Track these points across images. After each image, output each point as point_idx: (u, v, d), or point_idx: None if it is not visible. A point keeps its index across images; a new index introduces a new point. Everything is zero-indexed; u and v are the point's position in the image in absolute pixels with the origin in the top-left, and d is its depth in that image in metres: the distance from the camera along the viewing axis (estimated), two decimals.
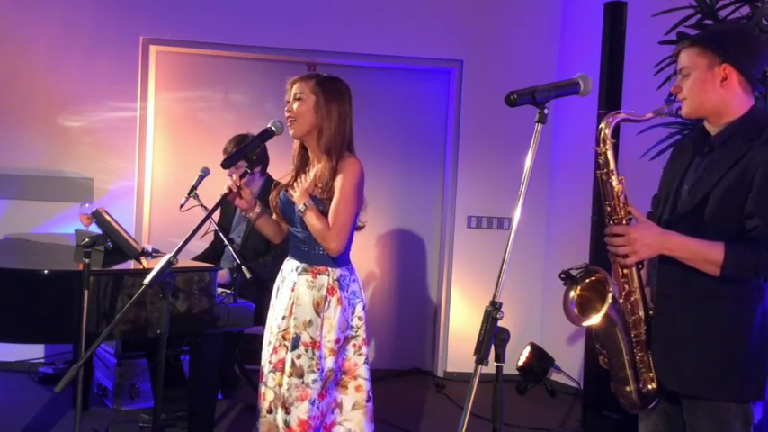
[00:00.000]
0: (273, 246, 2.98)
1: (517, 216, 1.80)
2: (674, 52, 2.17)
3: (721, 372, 2.05)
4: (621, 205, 2.11)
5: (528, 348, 4.85)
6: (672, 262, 2.06)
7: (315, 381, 2.58)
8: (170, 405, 3.87)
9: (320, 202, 2.61)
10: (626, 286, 2.14)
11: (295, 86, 2.66)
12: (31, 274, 2.99)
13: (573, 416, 4.57)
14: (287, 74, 2.76)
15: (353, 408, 2.69)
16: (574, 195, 4.93)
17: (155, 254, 3.43)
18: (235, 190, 2.63)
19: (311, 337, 2.59)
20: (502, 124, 5.04)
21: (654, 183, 2.36)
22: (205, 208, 3.41)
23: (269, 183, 3.85)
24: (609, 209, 2.12)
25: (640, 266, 2.15)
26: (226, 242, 3.69)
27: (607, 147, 2.12)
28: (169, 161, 5.15)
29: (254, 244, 3.99)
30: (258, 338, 2.96)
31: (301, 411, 2.57)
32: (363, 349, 2.71)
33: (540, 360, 4.84)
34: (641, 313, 2.16)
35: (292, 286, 2.66)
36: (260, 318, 3.51)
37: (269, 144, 3.14)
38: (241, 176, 2.65)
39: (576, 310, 2.07)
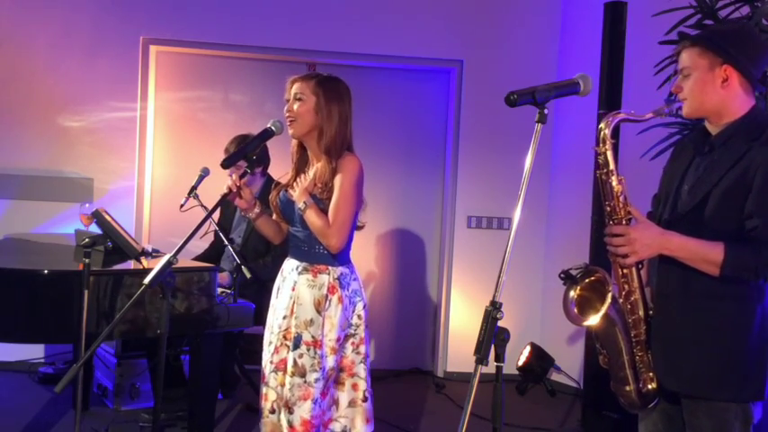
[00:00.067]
0: (274, 246, 2.98)
1: (517, 216, 1.80)
2: (675, 52, 2.17)
3: (721, 372, 2.05)
4: (621, 205, 2.12)
5: (528, 348, 4.84)
6: (671, 262, 2.07)
7: (317, 380, 2.58)
8: (170, 405, 3.87)
9: (320, 202, 2.61)
10: (626, 286, 2.14)
11: (295, 86, 2.65)
12: (31, 274, 2.99)
13: (573, 416, 4.57)
14: (287, 74, 2.76)
15: (350, 405, 2.69)
16: (574, 195, 4.93)
17: (155, 254, 3.43)
18: (235, 190, 2.63)
19: (313, 337, 2.59)
20: (502, 124, 5.04)
21: (654, 183, 2.36)
22: (205, 208, 3.41)
23: (269, 183, 3.85)
24: (609, 209, 2.13)
25: (640, 266, 2.15)
26: (226, 242, 3.70)
27: (607, 147, 2.12)
28: (169, 161, 5.15)
29: (255, 244, 3.99)
30: (258, 338, 2.96)
31: (304, 411, 2.57)
32: (361, 348, 2.70)
33: (540, 360, 4.83)
34: (641, 313, 2.16)
35: (293, 286, 2.66)
36: (260, 318, 3.51)
37: (269, 144, 3.14)
38: (241, 176, 2.66)
39: (575, 310, 2.07)
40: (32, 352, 4.83)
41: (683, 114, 2.15)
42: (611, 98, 3.99)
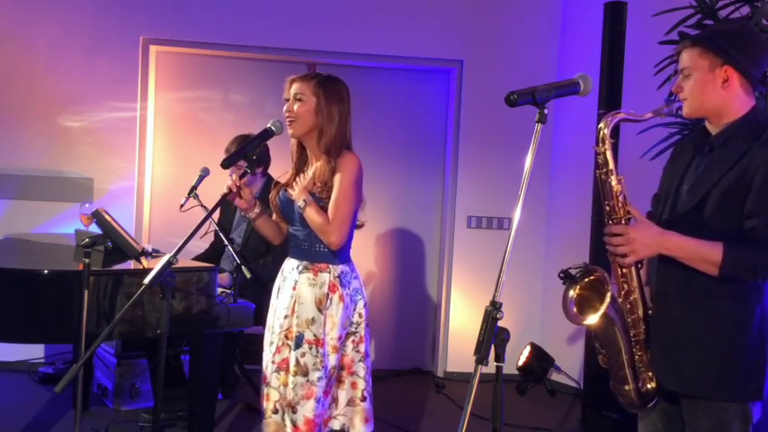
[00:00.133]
0: (274, 246, 2.98)
1: (517, 216, 1.80)
2: (676, 52, 2.18)
3: (720, 371, 2.05)
4: (620, 205, 2.12)
5: (528, 348, 4.85)
6: (671, 262, 2.07)
7: (320, 378, 2.58)
8: (170, 405, 3.87)
9: (320, 201, 2.61)
10: (625, 286, 2.14)
11: (295, 86, 2.65)
12: (31, 274, 2.99)
13: (573, 416, 4.57)
14: (287, 74, 2.75)
15: (349, 404, 2.69)
16: (574, 195, 4.93)
17: (155, 254, 3.43)
18: (235, 190, 2.63)
19: (314, 335, 2.60)
20: (502, 124, 5.04)
21: (654, 182, 2.36)
22: (205, 208, 3.41)
23: (270, 183, 3.85)
24: (608, 208, 2.13)
25: (639, 266, 2.16)
26: (226, 242, 3.70)
27: (606, 146, 2.13)
28: (169, 161, 5.15)
29: (255, 244, 3.99)
30: (258, 338, 2.96)
31: (307, 410, 2.57)
32: (361, 347, 2.71)
33: (540, 360, 4.84)
34: (640, 313, 2.16)
35: (293, 285, 2.66)
36: (260, 318, 3.51)
37: (269, 144, 3.14)
38: (241, 176, 2.66)
39: (575, 310, 2.07)
40: (32, 352, 4.83)
41: (683, 114, 2.16)
42: (611, 98, 3.99)
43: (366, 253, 5.27)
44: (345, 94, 2.68)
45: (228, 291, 3.41)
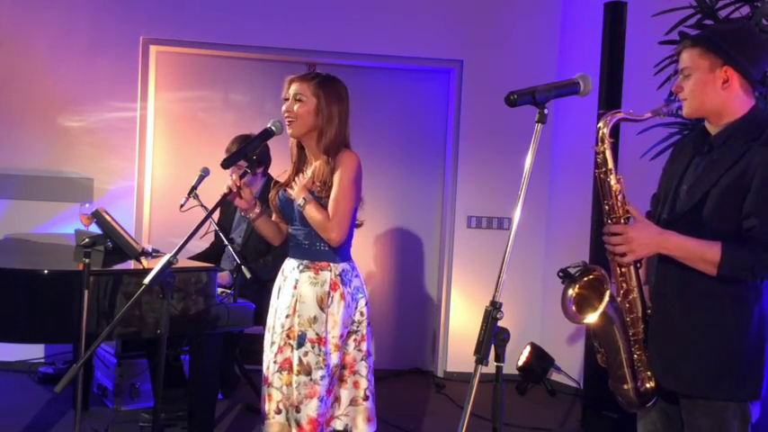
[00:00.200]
0: (274, 246, 2.98)
1: (517, 216, 1.80)
2: (676, 51, 2.18)
3: (719, 371, 2.05)
4: (619, 204, 2.13)
5: (528, 348, 4.85)
6: (670, 261, 2.07)
7: (323, 377, 2.58)
8: (170, 405, 3.87)
9: (319, 199, 2.62)
10: (624, 285, 2.15)
11: (294, 86, 2.65)
12: (31, 274, 2.99)
13: (573, 416, 4.57)
14: (287, 74, 2.75)
15: (351, 403, 2.69)
16: (574, 195, 4.93)
17: (155, 254, 3.43)
18: (235, 190, 2.63)
19: (317, 334, 2.60)
20: (502, 124, 5.04)
21: (654, 182, 2.36)
22: (205, 208, 3.41)
23: (270, 183, 3.85)
24: (607, 208, 2.14)
25: (638, 265, 2.16)
26: (226, 242, 3.70)
27: (605, 146, 2.13)
28: (169, 161, 5.15)
29: (255, 244, 3.99)
30: (258, 338, 2.96)
31: (311, 409, 2.57)
32: (363, 345, 2.71)
33: (540, 360, 4.84)
34: (639, 312, 2.17)
35: (294, 284, 2.66)
36: (260, 318, 3.50)
37: (270, 144, 3.13)
38: (241, 176, 2.66)
39: (573, 308, 2.08)
40: (32, 352, 4.83)
41: (683, 114, 2.16)
42: (611, 98, 3.99)
43: (366, 253, 5.27)
44: (345, 95, 2.69)
45: (228, 291, 3.41)
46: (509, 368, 4.51)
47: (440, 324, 5.34)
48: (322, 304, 2.61)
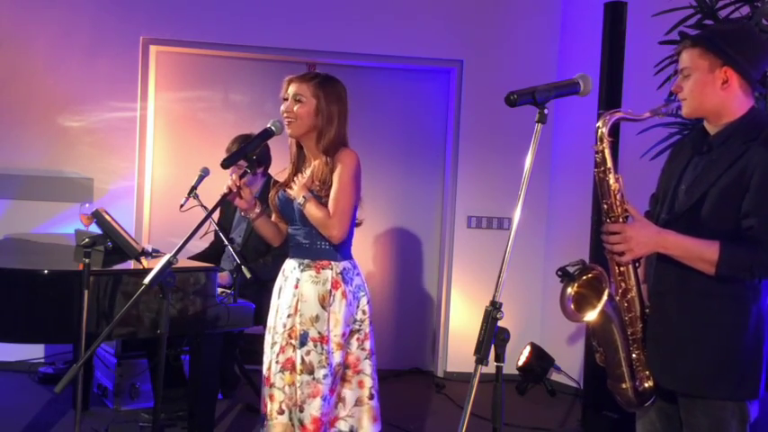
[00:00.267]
0: (274, 246, 2.99)
1: (517, 216, 1.80)
2: (676, 51, 2.18)
3: (717, 370, 2.06)
4: (618, 203, 2.13)
5: (528, 348, 4.85)
6: (668, 260, 2.08)
7: (325, 376, 2.58)
8: (170, 405, 3.87)
9: (319, 198, 2.62)
10: (622, 284, 2.16)
11: (294, 87, 2.65)
12: (31, 274, 2.99)
13: (573, 416, 4.57)
14: (287, 74, 2.76)
15: (357, 404, 2.69)
16: (574, 195, 4.93)
17: (155, 254, 3.43)
18: (234, 190, 2.63)
19: (319, 333, 2.60)
20: (502, 124, 5.04)
21: (654, 182, 2.36)
22: (205, 208, 3.41)
23: (270, 183, 3.85)
24: (606, 207, 2.14)
25: (637, 264, 2.17)
26: (226, 242, 3.70)
27: (604, 145, 2.14)
28: (169, 161, 5.15)
29: (255, 244, 3.98)
30: (258, 338, 2.96)
31: (314, 408, 2.57)
32: (366, 344, 2.71)
33: (540, 360, 4.84)
34: (637, 311, 2.17)
35: (296, 283, 2.66)
36: (260, 318, 3.51)
37: (270, 144, 3.13)
38: (241, 176, 2.66)
39: (572, 307, 2.08)
40: (32, 352, 4.83)
41: (682, 114, 2.17)
42: (611, 98, 3.98)
43: (366, 253, 5.27)
44: (344, 95, 2.70)
45: (228, 291, 3.41)
46: (509, 368, 4.51)
47: (440, 324, 5.34)
48: (324, 303, 2.61)
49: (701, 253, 2.00)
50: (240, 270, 3.41)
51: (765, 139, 2.02)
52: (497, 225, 5.25)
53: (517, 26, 5.22)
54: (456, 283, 5.27)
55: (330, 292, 2.62)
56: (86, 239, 2.92)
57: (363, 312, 2.71)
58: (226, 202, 2.89)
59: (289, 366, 2.63)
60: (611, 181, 2.14)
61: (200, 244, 4.19)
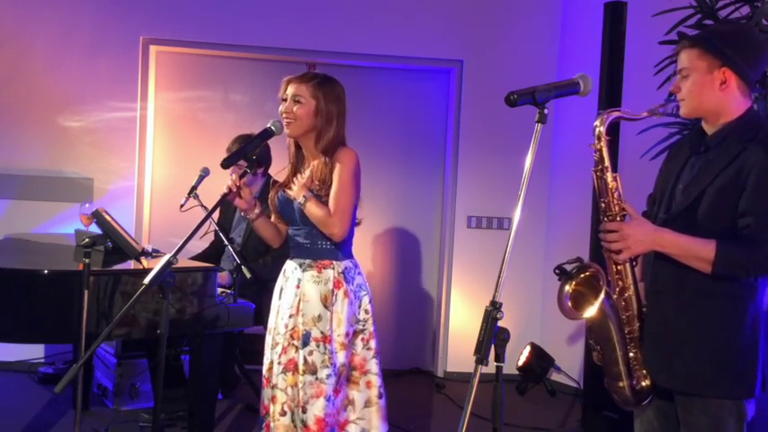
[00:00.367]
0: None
1: (517, 216, 1.81)
2: (675, 52, 2.19)
3: (714, 369, 2.06)
4: (615, 202, 2.14)
5: (528, 348, 4.85)
6: (665, 259, 2.09)
7: (329, 376, 2.58)
8: (170, 405, 3.87)
9: (320, 198, 2.62)
10: (620, 283, 2.16)
11: (292, 87, 2.65)
12: (31, 274, 2.99)
13: (573, 416, 4.57)
14: (287, 74, 2.76)
15: (366, 405, 2.68)
16: (574, 195, 4.93)
17: (155, 254, 3.43)
18: (234, 190, 2.63)
19: (321, 332, 2.59)
20: (502, 124, 5.04)
21: (653, 182, 2.36)
22: (205, 208, 3.41)
23: (270, 183, 3.85)
24: (603, 205, 2.16)
25: (634, 263, 2.18)
26: (226, 242, 3.70)
27: (602, 143, 2.14)
28: (169, 161, 5.15)
29: (255, 244, 3.98)
30: (258, 338, 2.95)
31: (317, 409, 2.56)
32: (372, 343, 2.71)
33: (540, 360, 4.84)
34: (635, 310, 2.18)
35: (297, 284, 2.66)
36: (260, 318, 3.51)
37: (270, 144, 3.13)
38: (241, 176, 2.66)
39: (569, 304, 2.08)
40: (32, 352, 4.83)
41: (681, 114, 2.17)
42: (611, 98, 3.98)
43: (366, 253, 5.27)
44: (342, 95, 2.70)
45: (228, 291, 3.41)
46: (509, 368, 4.50)
47: (440, 324, 5.34)
48: (326, 302, 2.61)
49: (698, 251, 2.01)
50: (240, 270, 3.41)
51: (762, 139, 2.03)
52: (497, 225, 5.25)
53: (517, 26, 5.22)
54: (456, 283, 5.27)
55: (332, 291, 2.62)
56: (86, 239, 2.92)
57: (366, 312, 2.71)
58: (226, 202, 2.89)
59: (291, 367, 2.63)
60: (609, 179, 2.14)
61: (201, 244, 4.19)
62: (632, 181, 2.44)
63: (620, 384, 2.20)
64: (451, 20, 5.16)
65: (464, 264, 5.26)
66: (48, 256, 3.83)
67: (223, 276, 3.76)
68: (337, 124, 2.65)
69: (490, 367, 1.75)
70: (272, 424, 2.65)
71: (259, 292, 3.71)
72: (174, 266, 2.32)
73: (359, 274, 2.71)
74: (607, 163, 2.14)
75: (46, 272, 2.96)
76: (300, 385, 2.58)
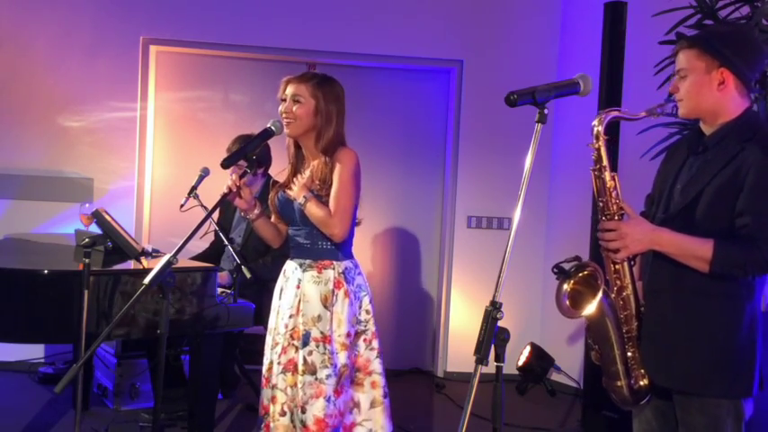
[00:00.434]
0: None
1: (517, 216, 1.81)
2: (673, 52, 2.19)
3: (712, 368, 2.07)
4: (614, 201, 2.15)
5: (528, 348, 4.85)
6: (663, 258, 2.09)
7: (329, 376, 2.57)
8: (170, 405, 3.87)
9: (320, 198, 2.62)
10: (618, 282, 2.17)
11: (292, 87, 2.66)
12: (31, 274, 2.99)
13: (573, 416, 4.57)
14: (287, 74, 2.76)
15: (372, 406, 2.67)
16: (574, 195, 4.93)
17: (155, 254, 3.43)
18: (234, 190, 2.63)
19: (321, 333, 2.59)
20: (502, 124, 5.04)
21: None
22: (205, 208, 3.41)
23: (270, 183, 3.85)
24: (601, 204, 2.16)
25: (632, 262, 2.18)
26: (226, 242, 3.70)
27: (600, 143, 2.14)
28: (169, 161, 5.15)
29: (255, 244, 3.98)
30: (258, 338, 2.96)
31: (317, 409, 2.55)
32: (374, 343, 2.71)
33: (540, 360, 4.84)
34: (633, 309, 2.19)
35: (297, 284, 2.66)
36: (260, 318, 3.51)
37: (270, 144, 3.13)
38: (241, 176, 2.66)
39: (567, 303, 2.08)
40: (32, 352, 4.83)
41: (679, 114, 2.18)
42: (611, 98, 3.98)
43: (366, 253, 5.27)
44: (342, 94, 2.70)
45: (228, 291, 3.41)
46: (509, 368, 4.51)
47: (440, 324, 5.34)
48: (326, 303, 2.61)
49: (695, 250, 2.02)
50: (240, 270, 3.41)
51: (760, 139, 2.04)
52: (497, 225, 5.25)
53: (517, 26, 5.22)
54: (456, 283, 5.27)
55: (333, 291, 2.62)
56: (86, 239, 2.92)
57: (367, 312, 2.70)
58: (226, 202, 2.89)
59: (291, 367, 2.63)
60: (607, 179, 2.15)
61: (201, 244, 4.19)
62: (632, 181, 2.44)
63: (618, 384, 2.20)
64: (451, 20, 5.16)
65: (464, 264, 5.26)
66: (48, 256, 3.83)
67: (223, 276, 3.76)
68: (337, 124, 2.65)
69: (490, 367, 1.75)
70: (271, 424, 2.65)
71: (259, 292, 3.71)
72: (173, 266, 2.32)
73: (359, 274, 2.71)
74: (605, 162, 2.15)
75: (46, 272, 2.96)
76: (300, 385, 2.58)
